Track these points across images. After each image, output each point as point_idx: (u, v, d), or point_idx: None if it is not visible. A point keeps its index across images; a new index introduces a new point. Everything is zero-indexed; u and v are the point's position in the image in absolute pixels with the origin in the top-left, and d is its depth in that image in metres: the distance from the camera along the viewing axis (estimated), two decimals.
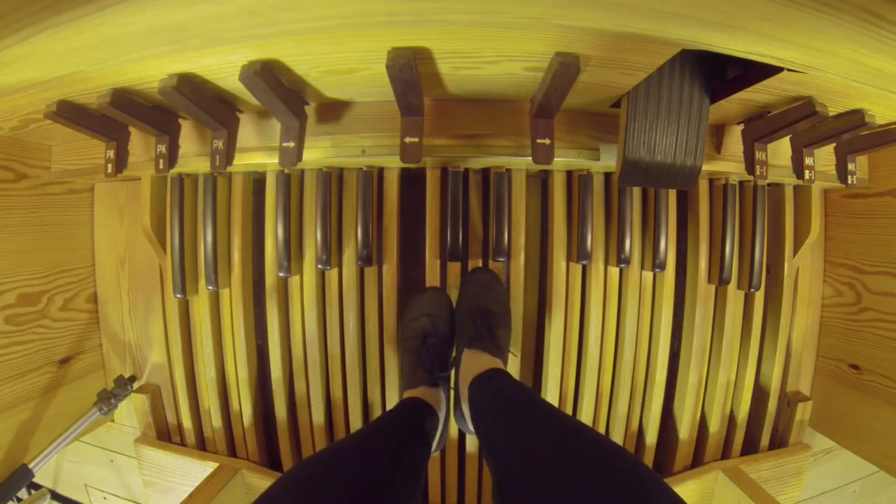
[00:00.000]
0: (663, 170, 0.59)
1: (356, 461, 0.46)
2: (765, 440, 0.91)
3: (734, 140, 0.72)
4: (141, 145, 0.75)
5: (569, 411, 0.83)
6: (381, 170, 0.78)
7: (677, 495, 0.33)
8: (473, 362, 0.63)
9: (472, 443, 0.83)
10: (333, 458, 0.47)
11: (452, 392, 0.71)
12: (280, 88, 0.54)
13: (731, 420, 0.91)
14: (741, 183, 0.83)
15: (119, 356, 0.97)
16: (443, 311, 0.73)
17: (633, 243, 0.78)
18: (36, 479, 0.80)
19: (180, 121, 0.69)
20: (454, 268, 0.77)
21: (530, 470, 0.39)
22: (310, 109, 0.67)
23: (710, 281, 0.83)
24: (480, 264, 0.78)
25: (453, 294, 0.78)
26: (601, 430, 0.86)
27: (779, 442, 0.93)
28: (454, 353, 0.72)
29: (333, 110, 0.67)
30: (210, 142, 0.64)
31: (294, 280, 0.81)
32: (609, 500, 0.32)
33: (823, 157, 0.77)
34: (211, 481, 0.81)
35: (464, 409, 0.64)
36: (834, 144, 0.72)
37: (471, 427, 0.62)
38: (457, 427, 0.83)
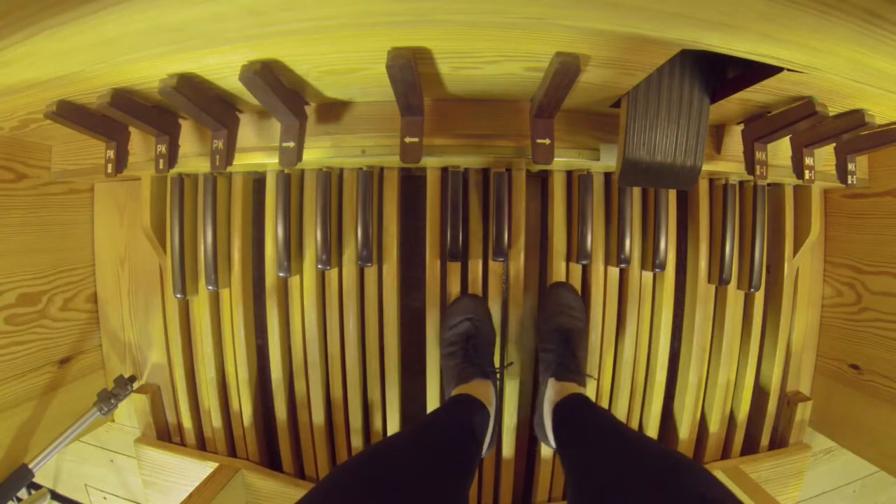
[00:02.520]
0: (663, 170, 0.59)
1: (405, 461, 0.47)
2: (765, 440, 0.91)
3: (734, 140, 0.72)
4: (141, 145, 0.75)
5: None
6: (381, 170, 0.78)
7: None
8: (560, 390, 0.68)
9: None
10: (383, 458, 0.48)
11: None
12: (280, 88, 0.54)
13: (731, 420, 0.91)
14: (741, 183, 0.83)
15: (119, 356, 0.97)
16: (482, 315, 0.75)
17: (633, 243, 0.78)
18: (36, 479, 0.80)
19: (180, 121, 0.69)
20: (454, 268, 0.77)
21: (602, 476, 0.45)
22: (310, 109, 0.67)
23: (710, 281, 0.83)
24: (480, 264, 0.78)
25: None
26: None
27: (779, 442, 0.93)
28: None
29: (333, 110, 0.67)
30: (210, 142, 0.64)
31: (294, 280, 0.81)
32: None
33: (823, 157, 0.77)
34: (211, 481, 0.81)
35: (545, 426, 0.69)
36: (834, 144, 0.72)
37: (551, 441, 0.68)
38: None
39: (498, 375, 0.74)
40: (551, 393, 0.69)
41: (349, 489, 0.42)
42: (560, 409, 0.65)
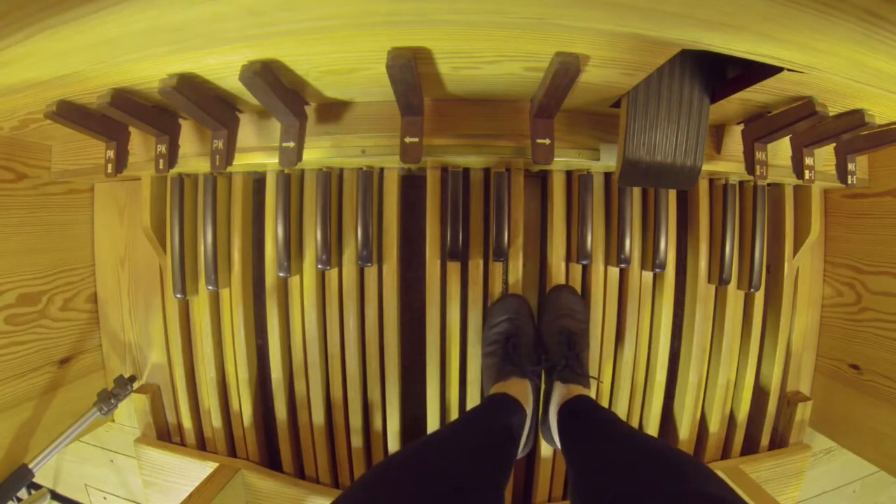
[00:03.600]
0: (663, 170, 0.59)
1: (441, 460, 0.47)
2: (765, 440, 0.91)
3: (734, 140, 0.72)
4: (141, 145, 0.75)
5: None
6: (381, 170, 0.78)
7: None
8: (564, 392, 0.69)
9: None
10: (423, 452, 0.49)
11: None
12: (280, 88, 0.54)
13: (731, 420, 0.91)
14: (741, 183, 0.83)
15: (119, 356, 0.97)
16: (523, 315, 0.76)
17: (633, 243, 0.78)
18: (36, 479, 0.80)
19: (180, 121, 0.69)
20: (454, 267, 0.77)
21: (605, 474, 0.46)
22: (310, 109, 0.67)
23: (710, 281, 0.83)
24: (481, 264, 0.78)
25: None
26: None
27: (779, 442, 0.93)
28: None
29: (333, 110, 0.67)
30: (210, 142, 0.64)
31: (294, 280, 0.81)
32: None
33: (823, 157, 0.77)
34: (211, 481, 0.81)
35: (551, 428, 0.69)
36: (834, 144, 0.72)
37: (556, 442, 0.69)
38: None
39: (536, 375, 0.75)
40: (557, 395, 0.69)
41: (392, 479, 0.43)
42: (565, 411, 0.65)
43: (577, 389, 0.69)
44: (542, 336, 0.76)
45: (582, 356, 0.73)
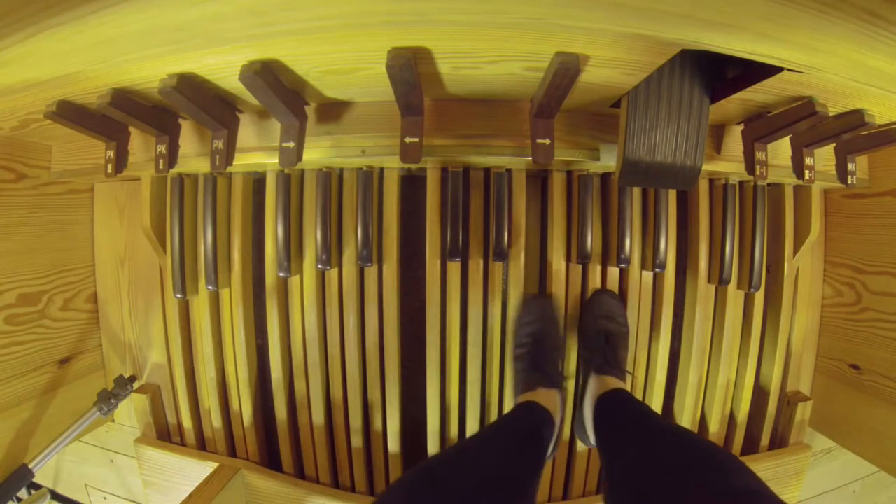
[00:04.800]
0: (663, 170, 0.59)
1: (473, 467, 0.48)
2: (765, 440, 0.91)
3: (734, 140, 0.72)
4: (141, 145, 0.75)
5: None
6: (381, 170, 0.78)
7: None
8: (601, 385, 0.69)
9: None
10: (458, 463, 0.49)
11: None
12: (280, 88, 0.54)
13: (731, 420, 0.91)
14: (741, 183, 0.83)
15: (119, 356, 0.97)
16: (551, 319, 0.76)
17: (633, 243, 0.78)
18: (36, 479, 0.80)
19: (180, 121, 0.69)
20: (454, 267, 0.77)
21: (648, 471, 0.46)
22: (310, 109, 0.67)
23: (710, 281, 0.83)
24: (481, 264, 0.78)
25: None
26: None
27: (779, 442, 0.93)
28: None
29: (333, 110, 0.67)
30: (210, 142, 0.64)
31: (294, 280, 0.81)
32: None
33: (823, 157, 0.77)
34: (211, 481, 0.81)
35: (586, 422, 0.69)
36: (834, 144, 0.72)
37: (590, 438, 0.68)
38: (455, 429, 0.83)
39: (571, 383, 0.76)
40: (592, 387, 0.70)
41: (434, 485, 0.44)
42: (602, 403, 0.66)
43: (613, 382, 0.69)
44: (583, 336, 0.77)
45: (619, 354, 0.75)
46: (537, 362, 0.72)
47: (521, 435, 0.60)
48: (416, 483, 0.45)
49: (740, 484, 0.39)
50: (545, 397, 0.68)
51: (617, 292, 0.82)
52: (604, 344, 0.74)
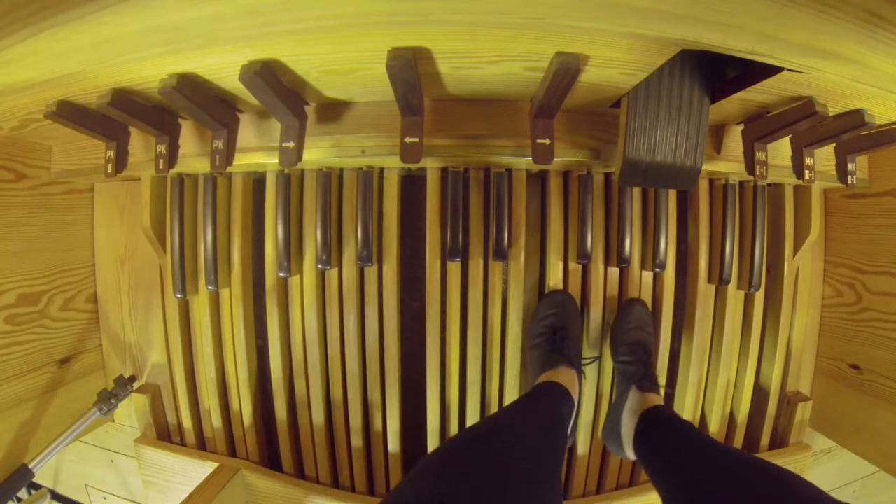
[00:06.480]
0: (663, 170, 0.59)
1: (510, 448, 0.48)
2: (765, 440, 0.91)
3: (734, 140, 0.72)
4: (141, 145, 0.75)
5: None
6: (381, 170, 0.78)
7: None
8: (641, 400, 0.70)
9: None
10: (490, 442, 0.49)
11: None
12: (280, 88, 0.54)
13: (731, 420, 0.91)
14: (741, 183, 0.83)
15: (119, 356, 0.97)
16: (569, 309, 0.77)
17: (633, 243, 0.78)
18: (36, 479, 0.80)
19: (180, 121, 0.69)
20: (454, 267, 0.77)
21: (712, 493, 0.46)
22: (310, 109, 0.67)
23: (710, 281, 0.83)
24: (481, 264, 0.78)
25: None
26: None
27: (779, 442, 0.93)
28: (612, 375, 0.79)
29: (333, 110, 0.67)
30: (210, 142, 0.64)
31: (294, 280, 0.81)
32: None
33: (823, 157, 0.77)
34: (211, 481, 0.81)
35: (623, 436, 0.70)
36: (834, 144, 0.72)
37: (625, 451, 0.70)
38: (455, 429, 0.83)
39: (583, 368, 0.76)
40: (633, 403, 0.70)
41: (466, 460, 0.44)
42: (646, 420, 0.66)
43: (655, 399, 0.70)
44: (617, 345, 0.78)
45: (652, 367, 0.76)
46: (557, 345, 0.73)
47: (551, 416, 0.61)
48: (456, 460, 0.45)
49: (820, 495, 0.41)
50: (566, 377, 0.69)
51: (617, 293, 0.82)
52: (646, 357, 0.74)
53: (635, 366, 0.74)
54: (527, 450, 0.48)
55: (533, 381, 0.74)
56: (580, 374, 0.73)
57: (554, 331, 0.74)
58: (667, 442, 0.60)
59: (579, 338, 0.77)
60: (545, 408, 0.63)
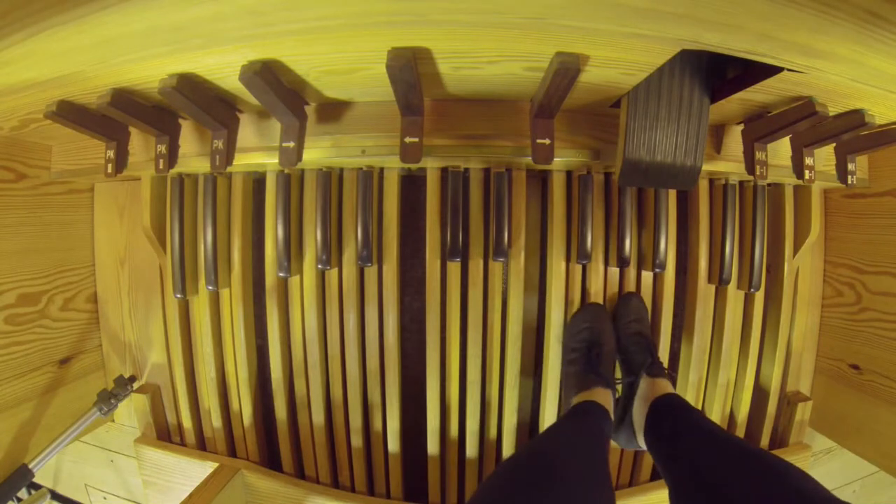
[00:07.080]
0: (663, 170, 0.59)
1: (566, 468, 0.50)
2: (765, 440, 0.91)
3: (734, 140, 0.72)
4: (141, 145, 0.75)
5: None
6: (381, 170, 0.78)
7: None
8: (654, 388, 0.70)
9: (471, 446, 0.84)
10: (547, 464, 0.51)
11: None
12: (280, 88, 0.54)
13: (731, 420, 0.91)
14: (741, 183, 0.83)
15: (119, 356, 0.97)
16: (604, 324, 0.77)
17: (633, 243, 0.78)
18: (36, 479, 0.80)
19: (180, 121, 0.69)
20: (454, 267, 0.77)
21: (723, 484, 0.47)
22: (310, 109, 0.67)
23: (710, 281, 0.83)
24: (481, 264, 0.78)
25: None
26: None
27: (779, 442, 0.93)
28: (620, 373, 0.79)
29: (333, 110, 0.67)
30: (210, 142, 0.64)
31: (294, 280, 0.81)
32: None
33: (823, 157, 0.77)
34: (211, 481, 0.81)
35: (635, 424, 0.71)
36: (834, 144, 0.72)
37: (637, 440, 0.70)
38: (455, 429, 0.83)
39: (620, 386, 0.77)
40: (644, 390, 0.71)
41: (527, 483, 0.47)
42: (656, 407, 0.67)
43: (665, 385, 0.70)
44: (619, 338, 0.79)
45: (657, 356, 0.76)
46: (592, 364, 0.73)
47: (596, 438, 0.62)
48: (517, 482, 0.47)
49: (820, 492, 0.42)
50: (602, 397, 0.70)
51: (617, 293, 0.82)
52: (649, 344, 0.76)
53: (642, 355, 0.75)
54: (584, 478, 0.50)
55: (567, 397, 0.75)
56: (614, 392, 0.74)
57: (589, 348, 0.75)
58: (676, 430, 0.61)
59: (612, 352, 0.78)
60: (594, 429, 0.64)
